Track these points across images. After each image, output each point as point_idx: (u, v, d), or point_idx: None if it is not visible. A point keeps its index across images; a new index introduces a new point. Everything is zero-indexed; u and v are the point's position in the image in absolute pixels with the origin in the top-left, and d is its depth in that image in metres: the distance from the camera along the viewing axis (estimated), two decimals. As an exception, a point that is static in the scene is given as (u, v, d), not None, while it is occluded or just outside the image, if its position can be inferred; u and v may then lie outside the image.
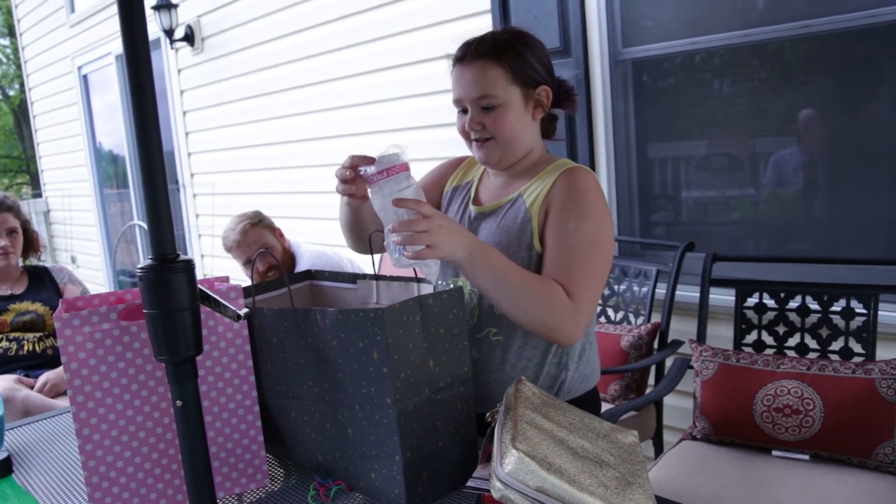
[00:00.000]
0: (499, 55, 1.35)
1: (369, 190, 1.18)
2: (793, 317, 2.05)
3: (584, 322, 1.28)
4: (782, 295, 2.07)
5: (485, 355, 1.41)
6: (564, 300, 1.25)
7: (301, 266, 2.71)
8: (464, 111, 1.41)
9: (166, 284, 0.94)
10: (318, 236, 3.84)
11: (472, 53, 1.37)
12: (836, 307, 1.98)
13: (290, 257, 2.78)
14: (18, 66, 11.00)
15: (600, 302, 2.59)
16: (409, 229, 1.13)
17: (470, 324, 1.42)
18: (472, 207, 1.50)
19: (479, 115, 1.38)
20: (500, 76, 1.35)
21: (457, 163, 1.62)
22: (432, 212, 1.15)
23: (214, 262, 4.89)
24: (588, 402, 1.47)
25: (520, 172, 1.45)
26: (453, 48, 1.43)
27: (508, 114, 1.36)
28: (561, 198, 1.34)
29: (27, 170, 19.06)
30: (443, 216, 1.18)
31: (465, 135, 1.43)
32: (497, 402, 1.12)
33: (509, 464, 0.88)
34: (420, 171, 1.46)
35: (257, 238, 2.67)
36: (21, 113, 17.99)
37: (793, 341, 2.05)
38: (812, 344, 2.02)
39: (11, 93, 19.62)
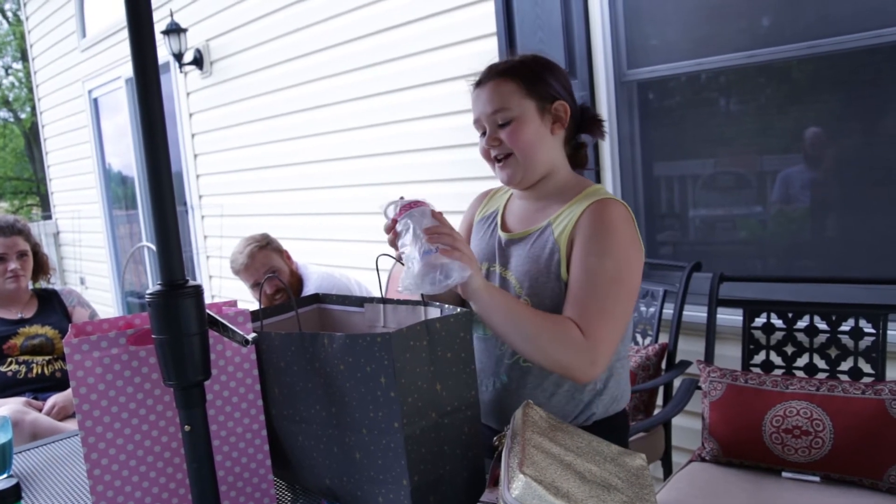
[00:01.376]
0: (513, 72, 1.39)
1: (397, 227, 1.23)
2: (801, 337, 2.05)
3: (600, 360, 1.27)
4: (790, 315, 2.07)
5: (515, 380, 1.40)
6: (579, 339, 1.24)
7: (309, 288, 2.72)
8: (484, 133, 1.43)
9: (175, 310, 0.95)
10: (325, 258, 3.85)
11: (486, 76, 1.41)
12: (845, 327, 1.97)
13: (297, 280, 2.79)
14: (30, 90, 11.12)
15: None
16: (441, 234, 1.19)
17: (500, 350, 1.42)
18: (500, 233, 1.49)
19: (495, 131, 1.39)
20: (513, 90, 1.37)
21: (481, 197, 1.64)
22: (460, 236, 1.23)
23: (223, 283, 4.91)
24: (618, 423, 1.46)
25: (547, 195, 1.44)
26: (468, 69, 1.46)
27: (524, 127, 1.37)
28: (586, 231, 1.33)
29: (37, 192, 19.22)
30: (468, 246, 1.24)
31: (487, 155, 1.44)
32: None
33: (517, 488, 0.88)
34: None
35: (265, 261, 2.68)
36: (32, 135, 18.18)
37: (801, 361, 2.04)
38: (821, 364, 2.01)
39: (23, 116, 19.84)
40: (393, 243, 1.26)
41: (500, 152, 1.40)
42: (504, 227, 1.50)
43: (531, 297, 1.36)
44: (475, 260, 1.25)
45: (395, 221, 1.24)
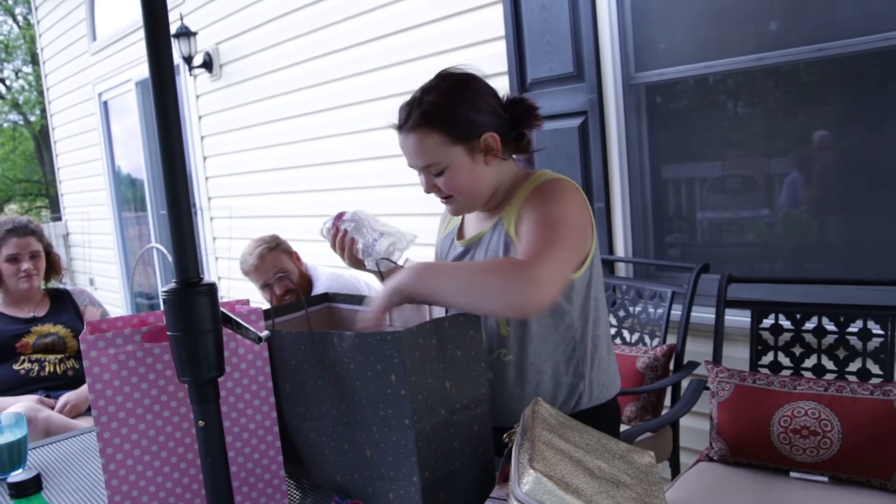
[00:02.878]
0: (432, 121, 1.34)
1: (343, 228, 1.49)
2: (809, 338, 2.05)
3: (543, 279, 1.17)
4: (798, 316, 2.07)
5: (500, 376, 1.42)
6: (517, 262, 1.22)
7: (318, 289, 2.74)
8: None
9: (190, 307, 0.96)
10: (334, 259, 3.86)
11: (406, 123, 1.37)
12: (853, 328, 1.97)
13: (307, 280, 2.80)
14: (40, 93, 11.20)
15: (615, 323, 2.59)
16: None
17: None
18: (457, 242, 1.53)
19: (430, 180, 1.40)
20: (438, 142, 1.34)
21: (442, 218, 1.66)
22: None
23: (231, 284, 4.93)
24: (609, 410, 1.48)
25: (496, 200, 1.45)
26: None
27: (458, 173, 1.36)
28: (528, 205, 1.34)
29: (47, 193, 19.34)
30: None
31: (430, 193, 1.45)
32: (517, 420, 1.13)
33: (527, 483, 0.89)
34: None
35: (274, 262, 2.70)
36: (42, 138, 18.31)
37: (809, 362, 2.04)
38: (829, 365, 2.01)
39: (33, 118, 19.97)
40: (348, 250, 1.45)
41: (441, 196, 1.42)
42: (461, 236, 1.54)
43: None
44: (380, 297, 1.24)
45: (337, 229, 1.45)
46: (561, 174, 1.43)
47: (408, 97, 1.42)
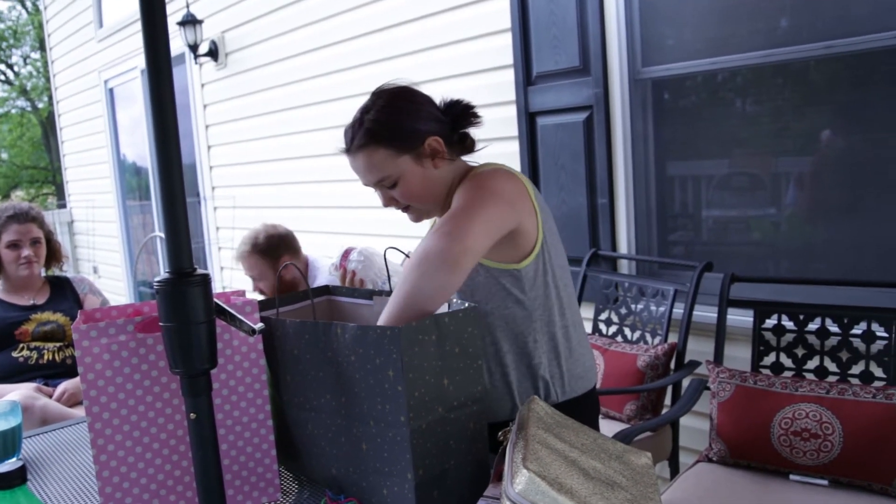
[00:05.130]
0: (376, 138, 1.38)
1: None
2: (812, 339, 2.03)
3: (454, 231, 1.21)
4: (801, 317, 2.05)
5: None
6: (425, 242, 1.24)
7: (319, 280, 2.72)
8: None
9: (182, 298, 0.95)
10: (336, 251, 3.85)
11: (352, 144, 1.41)
12: (857, 330, 1.95)
13: (289, 286, 2.73)
14: (47, 80, 11.22)
15: (616, 321, 2.58)
16: None
17: None
18: None
19: (387, 193, 1.44)
20: (384, 156, 1.38)
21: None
22: None
23: (234, 274, 4.93)
24: (586, 402, 1.48)
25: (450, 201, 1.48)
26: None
27: (410, 181, 1.40)
28: (455, 198, 1.36)
29: (53, 181, 19.39)
30: None
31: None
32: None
33: (520, 483, 0.88)
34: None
35: (251, 265, 2.68)
36: (49, 125, 18.35)
37: (812, 364, 2.03)
38: (831, 367, 1.99)
39: (40, 105, 20.01)
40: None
41: (400, 207, 1.46)
42: None
43: (463, 297, 1.40)
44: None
45: (345, 269, 1.53)
46: (496, 166, 1.44)
47: (407, 97, 1.43)
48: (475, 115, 1.46)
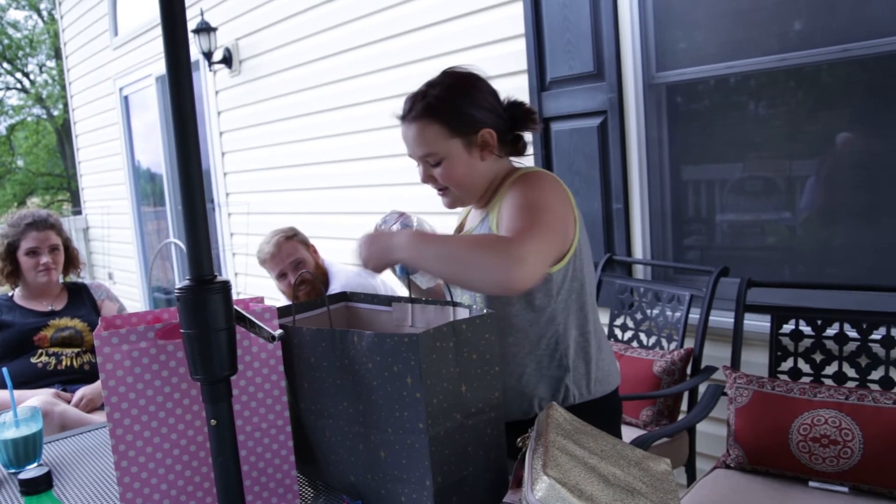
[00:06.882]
0: (434, 113, 1.41)
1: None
2: (830, 344, 2.01)
3: (527, 256, 1.19)
4: (819, 322, 2.04)
5: None
6: (503, 238, 1.26)
7: (335, 286, 2.73)
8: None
9: (203, 305, 0.96)
10: (352, 257, 3.86)
11: (409, 114, 1.44)
12: (876, 335, 1.94)
13: (323, 274, 2.79)
14: (63, 87, 11.32)
15: (632, 326, 2.57)
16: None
17: None
18: None
19: (428, 170, 1.46)
20: (437, 133, 1.41)
21: (459, 217, 1.70)
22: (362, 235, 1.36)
23: (248, 280, 4.94)
24: (605, 405, 1.48)
25: (489, 197, 1.50)
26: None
27: (455, 165, 1.42)
28: (509, 194, 1.39)
29: (68, 187, 19.56)
30: (369, 234, 1.36)
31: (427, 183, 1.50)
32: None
33: (540, 490, 0.88)
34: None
35: (290, 251, 2.69)
36: (64, 132, 18.52)
37: (830, 370, 2.01)
38: (850, 373, 1.98)
39: (56, 113, 20.20)
40: None
41: (437, 187, 1.48)
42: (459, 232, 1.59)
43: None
44: (372, 247, 1.36)
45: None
46: (539, 169, 1.48)
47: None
48: (534, 121, 1.49)
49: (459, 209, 1.60)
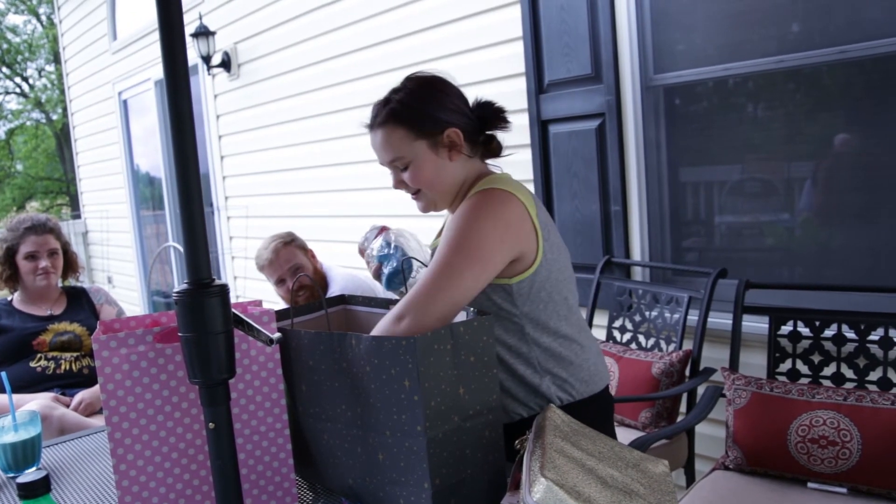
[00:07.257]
0: (398, 117, 1.41)
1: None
2: (828, 346, 2.02)
3: (410, 329, 1.24)
4: (817, 323, 2.04)
5: None
6: (389, 324, 1.28)
7: (333, 289, 2.73)
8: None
9: (201, 308, 0.96)
10: (350, 260, 3.87)
11: (375, 122, 1.45)
12: (874, 336, 1.94)
13: (322, 279, 2.80)
14: (62, 92, 11.33)
15: (630, 328, 2.57)
16: None
17: None
18: (428, 248, 1.61)
19: (398, 175, 1.47)
20: (402, 137, 1.41)
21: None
22: None
23: (247, 283, 4.95)
24: (593, 406, 1.47)
25: (460, 201, 1.49)
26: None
27: (422, 167, 1.43)
28: (452, 219, 1.39)
29: (67, 191, 19.56)
30: None
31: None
32: None
33: (538, 492, 0.88)
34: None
35: (289, 257, 2.70)
36: (63, 136, 18.53)
37: (828, 371, 2.01)
38: (849, 374, 1.98)
39: (55, 117, 20.21)
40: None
41: (409, 191, 1.48)
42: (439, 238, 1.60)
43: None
44: None
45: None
46: (502, 183, 1.42)
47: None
48: (504, 120, 1.48)
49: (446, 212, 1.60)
